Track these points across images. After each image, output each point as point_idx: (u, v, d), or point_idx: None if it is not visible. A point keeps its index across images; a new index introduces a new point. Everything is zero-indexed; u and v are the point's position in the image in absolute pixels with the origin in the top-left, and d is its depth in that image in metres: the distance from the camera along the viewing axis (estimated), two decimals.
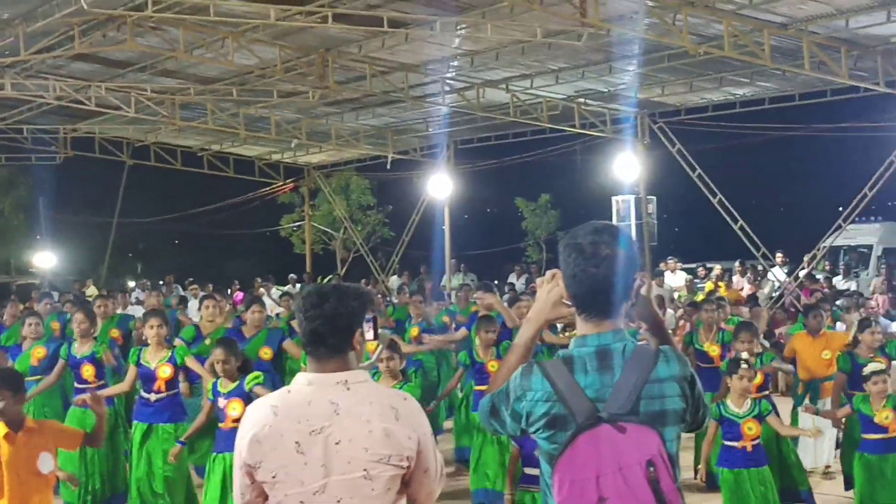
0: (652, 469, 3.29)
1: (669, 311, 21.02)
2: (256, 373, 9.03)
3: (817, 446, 11.93)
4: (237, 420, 7.93)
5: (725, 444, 8.92)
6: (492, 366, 10.75)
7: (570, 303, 3.68)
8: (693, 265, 26.89)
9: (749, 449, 8.78)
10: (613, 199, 26.35)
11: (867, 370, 9.30)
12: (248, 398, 8.49)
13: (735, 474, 8.76)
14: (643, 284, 3.87)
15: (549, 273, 3.77)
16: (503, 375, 3.74)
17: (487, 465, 10.57)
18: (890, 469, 9.08)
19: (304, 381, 3.92)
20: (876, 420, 9.06)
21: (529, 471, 8.44)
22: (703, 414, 3.71)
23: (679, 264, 25.43)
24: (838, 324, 15.05)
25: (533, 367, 3.59)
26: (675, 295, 22.53)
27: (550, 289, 3.74)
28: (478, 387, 11.12)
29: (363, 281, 29.09)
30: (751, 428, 8.79)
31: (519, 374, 3.61)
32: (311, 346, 3.94)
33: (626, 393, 3.44)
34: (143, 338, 11.69)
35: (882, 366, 9.57)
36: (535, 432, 3.55)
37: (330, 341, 3.91)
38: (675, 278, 24.43)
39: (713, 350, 12.23)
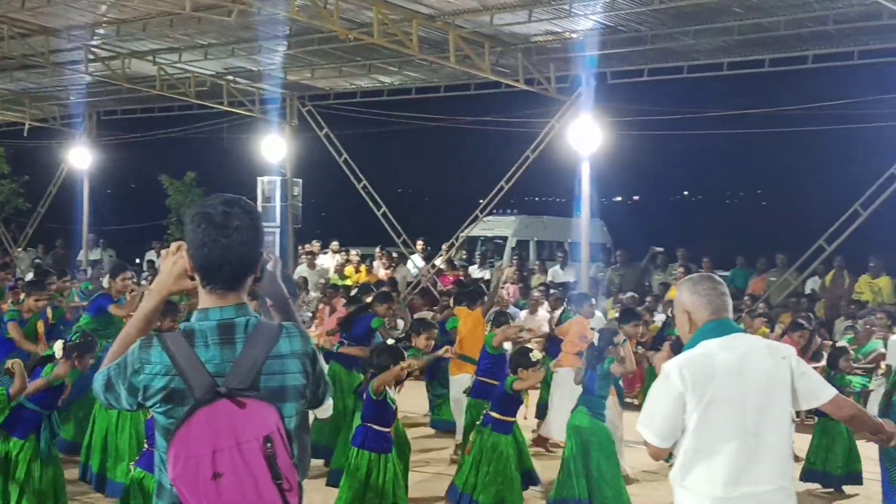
0: (269, 445, 3.27)
1: (313, 294, 21.20)
2: None
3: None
4: None
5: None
6: None
7: (193, 276, 3.61)
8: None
9: None
10: (259, 179, 26.22)
11: (534, 356, 9.66)
12: None
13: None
14: (270, 260, 3.84)
15: (174, 245, 3.70)
16: (120, 348, 3.62)
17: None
18: (505, 446, 9.54)
19: None
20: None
21: None
22: (324, 391, 3.74)
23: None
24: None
25: (152, 339, 3.51)
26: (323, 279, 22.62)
27: (175, 261, 3.67)
28: None
29: None
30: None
31: (137, 347, 3.52)
32: None
33: (246, 368, 3.43)
34: None
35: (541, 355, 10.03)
36: (152, 406, 3.49)
37: None
38: (327, 260, 24.62)
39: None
